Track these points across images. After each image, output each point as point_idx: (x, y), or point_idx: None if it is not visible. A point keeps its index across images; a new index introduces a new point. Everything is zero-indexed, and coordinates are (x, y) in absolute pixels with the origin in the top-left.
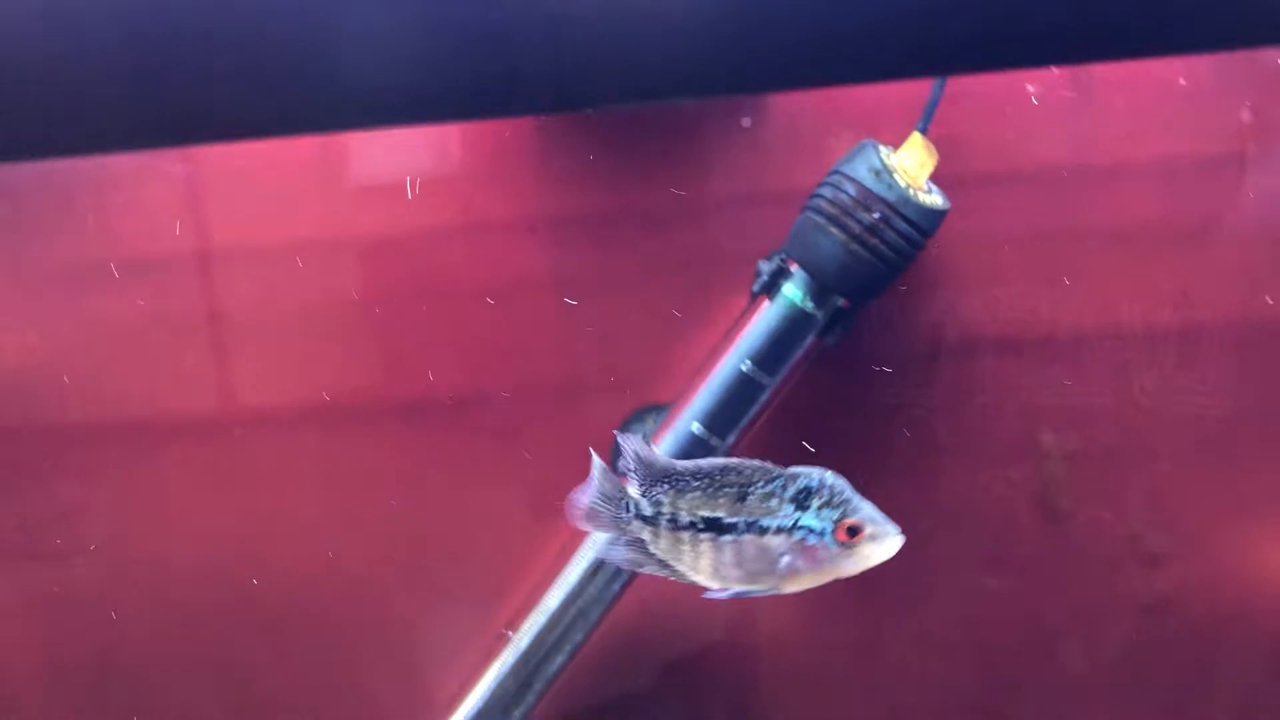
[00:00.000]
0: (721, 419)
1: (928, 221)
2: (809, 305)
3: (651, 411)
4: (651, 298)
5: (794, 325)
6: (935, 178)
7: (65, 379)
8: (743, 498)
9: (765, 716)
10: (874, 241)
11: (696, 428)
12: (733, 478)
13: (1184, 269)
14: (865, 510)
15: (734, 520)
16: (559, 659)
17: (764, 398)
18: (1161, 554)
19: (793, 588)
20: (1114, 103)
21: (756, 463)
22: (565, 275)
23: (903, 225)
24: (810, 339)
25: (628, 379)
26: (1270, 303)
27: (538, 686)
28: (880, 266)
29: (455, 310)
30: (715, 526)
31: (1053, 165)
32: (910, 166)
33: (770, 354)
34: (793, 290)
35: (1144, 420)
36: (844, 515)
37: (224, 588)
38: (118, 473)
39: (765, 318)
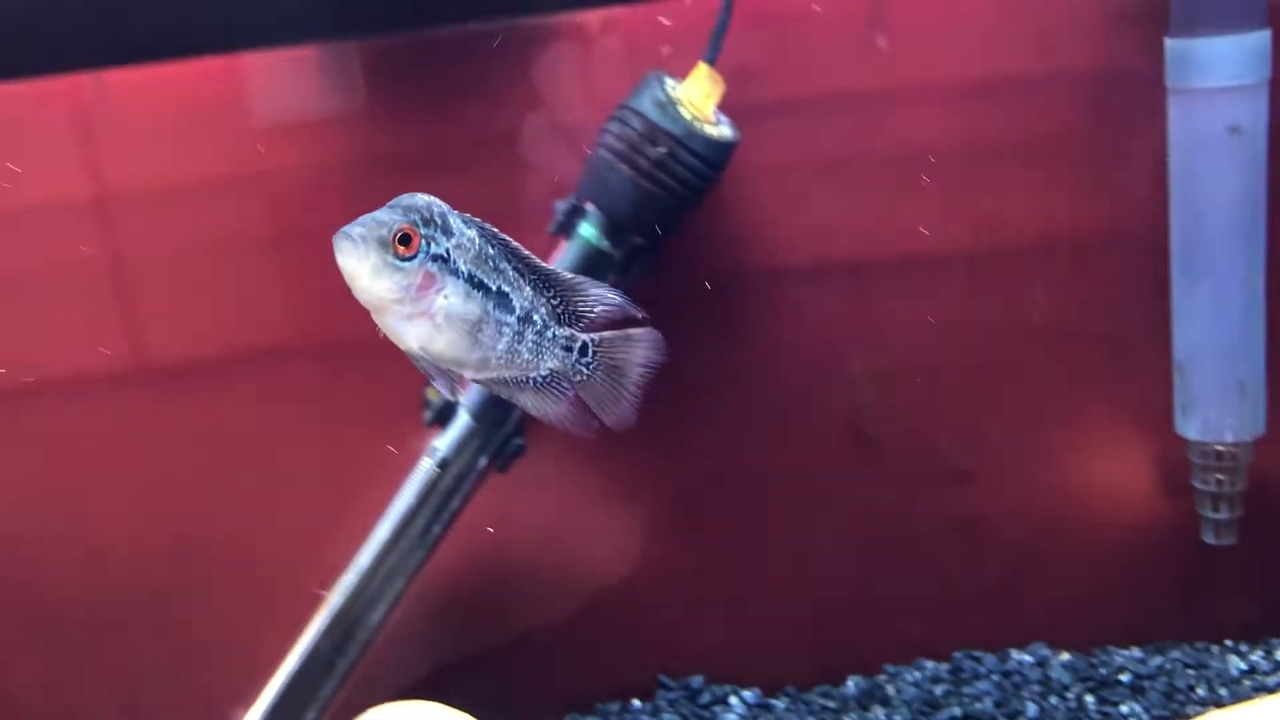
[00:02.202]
0: None
1: (716, 153)
2: (605, 244)
3: None
4: None
5: (591, 265)
6: (727, 107)
7: None
8: None
9: (595, 647)
10: (662, 176)
11: None
12: None
13: (985, 190)
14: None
15: None
16: (378, 611)
17: None
18: (968, 471)
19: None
20: (908, 18)
21: None
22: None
23: (690, 159)
24: (610, 278)
25: None
26: (1074, 221)
27: (360, 638)
28: (671, 201)
29: (245, 262)
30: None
31: (848, 89)
32: (696, 98)
33: None
34: (588, 229)
35: (949, 342)
36: None
37: (29, 559)
38: None
39: (562, 259)
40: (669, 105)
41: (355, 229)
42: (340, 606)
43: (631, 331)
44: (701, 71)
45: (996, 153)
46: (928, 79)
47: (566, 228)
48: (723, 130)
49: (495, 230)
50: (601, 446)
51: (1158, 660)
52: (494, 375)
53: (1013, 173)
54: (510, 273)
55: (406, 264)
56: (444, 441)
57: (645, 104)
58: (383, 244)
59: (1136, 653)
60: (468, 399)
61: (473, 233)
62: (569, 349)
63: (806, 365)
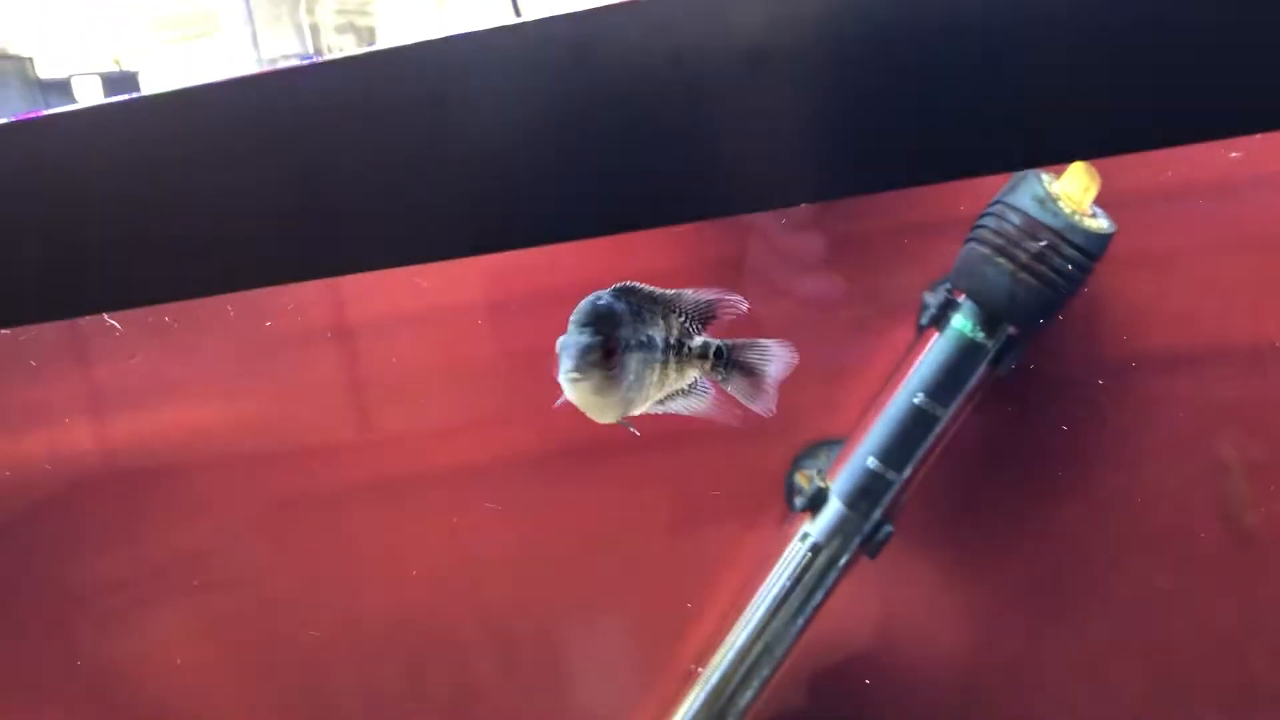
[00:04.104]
0: (896, 452)
1: (1094, 245)
2: (979, 335)
3: (824, 446)
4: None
5: (965, 356)
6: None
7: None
8: None
9: None
10: (1042, 269)
11: (872, 462)
12: None
13: None
14: (570, 341)
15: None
16: (747, 694)
17: (938, 429)
18: None
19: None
20: None
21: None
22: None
23: (1070, 251)
24: (982, 368)
25: (798, 415)
26: None
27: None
28: (1049, 293)
29: None
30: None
31: (1214, 175)
32: (1073, 193)
33: (942, 386)
34: (962, 321)
35: None
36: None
37: (409, 628)
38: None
39: (935, 350)
40: (1048, 200)
41: (575, 364)
42: (716, 684)
43: (762, 341)
44: (1078, 167)
45: None
46: None
47: (939, 320)
48: (1100, 223)
49: (629, 285)
50: (960, 530)
51: None
52: (651, 403)
53: None
54: (647, 316)
55: (617, 371)
56: (816, 527)
57: (1024, 200)
58: (598, 367)
59: None
60: (838, 486)
61: (622, 305)
62: (704, 356)
63: (1173, 452)
